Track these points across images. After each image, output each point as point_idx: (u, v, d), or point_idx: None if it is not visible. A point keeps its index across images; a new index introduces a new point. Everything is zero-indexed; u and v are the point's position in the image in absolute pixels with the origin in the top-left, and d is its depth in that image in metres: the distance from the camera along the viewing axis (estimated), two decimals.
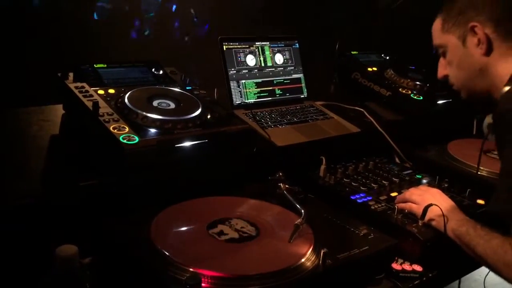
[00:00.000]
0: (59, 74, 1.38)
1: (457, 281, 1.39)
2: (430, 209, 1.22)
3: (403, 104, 1.90)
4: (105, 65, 1.46)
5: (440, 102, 1.95)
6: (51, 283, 0.74)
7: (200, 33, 1.96)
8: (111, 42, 1.75)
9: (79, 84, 1.33)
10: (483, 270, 1.22)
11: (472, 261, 1.13)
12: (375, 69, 2.08)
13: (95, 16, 1.72)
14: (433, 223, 1.22)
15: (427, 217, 1.22)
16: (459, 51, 1.21)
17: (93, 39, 1.70)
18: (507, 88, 1.13)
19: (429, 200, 1.24)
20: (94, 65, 1.44)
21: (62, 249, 0.75)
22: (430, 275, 1.17)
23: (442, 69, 1.27)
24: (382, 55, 2.27)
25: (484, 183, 1.47)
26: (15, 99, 1.52)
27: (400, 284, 1.11)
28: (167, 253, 0.95)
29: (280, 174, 1.32)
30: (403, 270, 1.14)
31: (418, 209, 1.24)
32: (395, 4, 2.41)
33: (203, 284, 0.87)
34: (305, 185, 1.37)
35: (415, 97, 1.91)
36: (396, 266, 1.14)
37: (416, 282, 1.14)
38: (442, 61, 1.27)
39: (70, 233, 1.00)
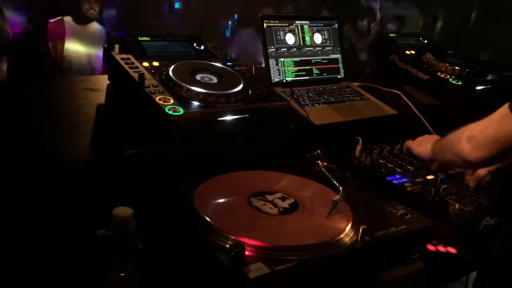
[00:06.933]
0: (105, 46, 1.42)
1: None
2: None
3: (441, 89, 1.88)
4: (149, 38, 1.49)
5: (479, 87, 1.92)
6: (108, 241, 0.78)
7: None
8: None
9: (125, 56, 1.37)
10: None
11: None
12: (413, 52, 2.05)
13: None
14: (418, 150, 1.36)
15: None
16: None
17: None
18: None
19: (421, 139, 1.39)
20: (139, 38, 1.47)
21: (119, 210, 0.79)
22: (464, 258, 1.18)
23: None
24: (420, 38, 2.24)
25: None
26: None
27: (433, 265, 1.13)
28: (210, 221, 0.99)
29: (319, 151, 1.34)
30: (438, 252, 1.16)
31: (411, 143, 1.40)
32: None
33: (246, 252, 0.90)
34: (341, 164, 1.38)
35: (453, 82, 1.88)
36: (431, 247, 1.16)
37: (449, 264, 1.15)
38: None
39: (118, 198, 1.04)
